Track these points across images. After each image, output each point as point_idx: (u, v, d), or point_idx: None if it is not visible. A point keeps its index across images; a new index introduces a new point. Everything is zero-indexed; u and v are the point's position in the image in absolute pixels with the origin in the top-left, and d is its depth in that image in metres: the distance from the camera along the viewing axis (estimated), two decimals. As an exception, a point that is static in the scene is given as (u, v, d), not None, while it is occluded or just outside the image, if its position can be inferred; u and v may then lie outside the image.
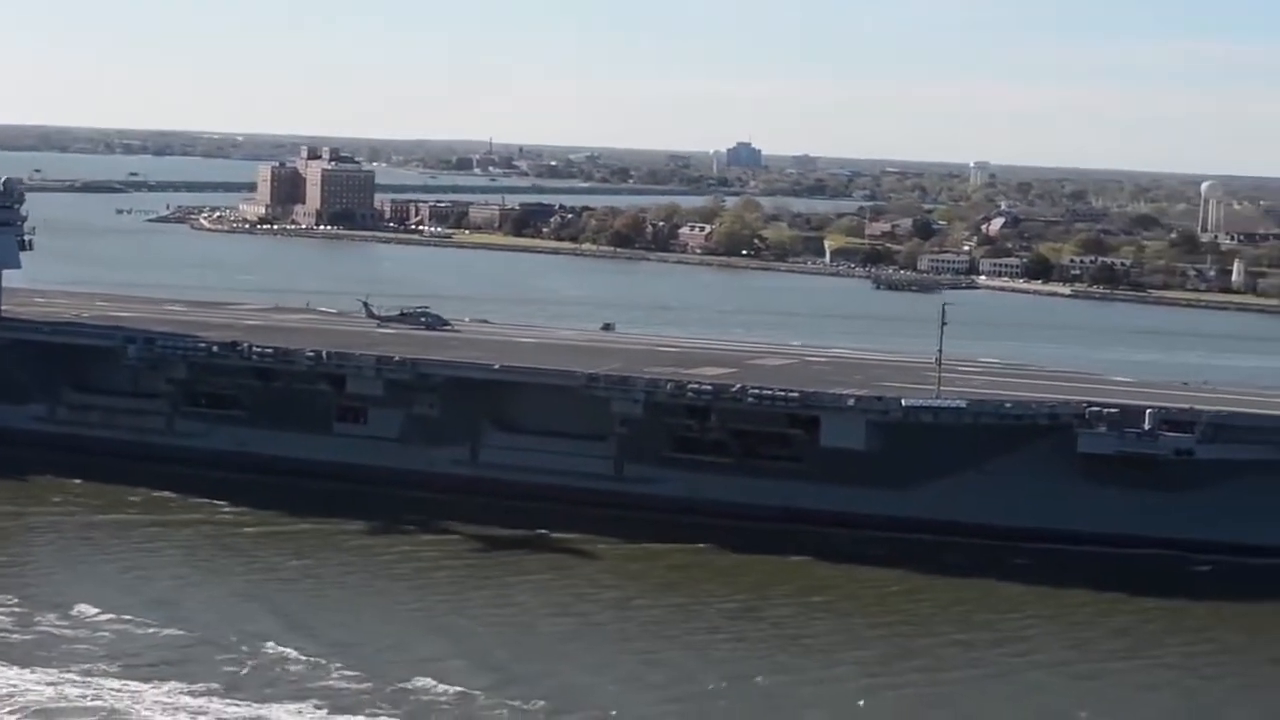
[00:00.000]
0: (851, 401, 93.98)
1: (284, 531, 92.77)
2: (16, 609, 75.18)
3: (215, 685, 66.45)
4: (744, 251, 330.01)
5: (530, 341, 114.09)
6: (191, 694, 65.46)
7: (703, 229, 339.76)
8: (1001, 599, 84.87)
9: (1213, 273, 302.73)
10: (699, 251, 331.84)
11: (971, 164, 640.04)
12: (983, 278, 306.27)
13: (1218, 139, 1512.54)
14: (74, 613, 74.78)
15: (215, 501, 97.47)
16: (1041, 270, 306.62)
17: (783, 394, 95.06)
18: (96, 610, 75.11)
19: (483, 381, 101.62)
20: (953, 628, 79.78)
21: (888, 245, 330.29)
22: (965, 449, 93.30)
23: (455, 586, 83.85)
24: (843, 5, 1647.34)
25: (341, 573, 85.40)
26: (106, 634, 72.67)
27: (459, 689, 66.93)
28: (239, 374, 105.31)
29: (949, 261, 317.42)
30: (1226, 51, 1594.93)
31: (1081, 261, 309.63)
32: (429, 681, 67.43)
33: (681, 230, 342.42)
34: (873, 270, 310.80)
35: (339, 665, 69.27)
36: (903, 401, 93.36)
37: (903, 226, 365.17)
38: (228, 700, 64.93)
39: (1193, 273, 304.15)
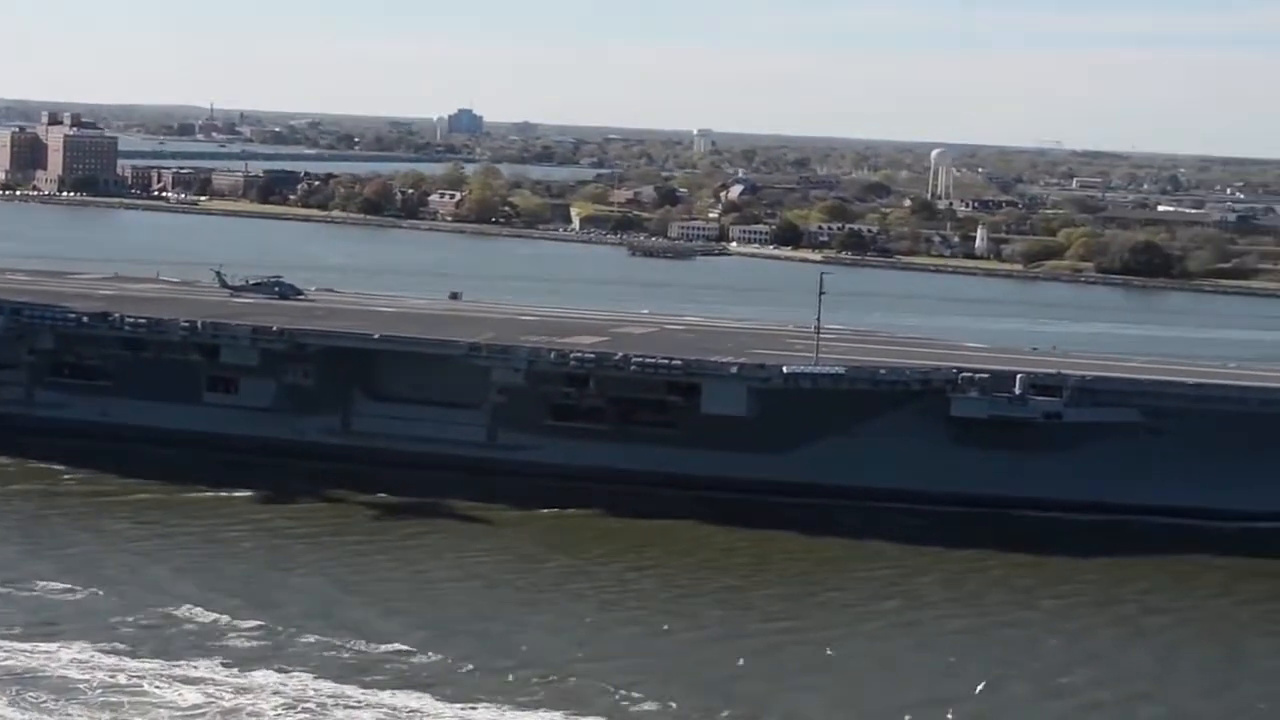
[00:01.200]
0: (734, 369, 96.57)
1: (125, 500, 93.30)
2: None
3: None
4: (494, 219, 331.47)
5: (390, 311, 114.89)
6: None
7: (452, 196, 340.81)
8: (886, 556, 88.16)
9: (956, 239, 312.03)
10: (449, 219, 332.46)
11: (695, 131, 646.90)
12: (734, 244, 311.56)
13: (930, 107, 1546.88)
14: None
15: (55, 467, 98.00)
16: (791, 237, 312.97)
17: (665, 362, 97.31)
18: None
19: (356, 350, 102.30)
20: (841, 579, 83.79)
21: (638, 213, 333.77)
22: (839, 414, 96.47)
23: (347, 551, 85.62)
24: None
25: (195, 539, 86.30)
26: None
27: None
28: (107, 344, 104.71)
29: (699, 229, 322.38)
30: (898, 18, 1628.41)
31: (829, 228, 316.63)
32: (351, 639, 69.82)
33: (431, 198, 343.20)
34: (625, 237, 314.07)
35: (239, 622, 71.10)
36: (784, 369, 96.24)
37: (646, 194, 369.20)
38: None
39: (937, 239, 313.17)
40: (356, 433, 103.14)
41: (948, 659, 71.38)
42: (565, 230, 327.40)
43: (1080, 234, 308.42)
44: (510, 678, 66.13)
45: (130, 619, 71.10)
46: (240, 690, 63.54)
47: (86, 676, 64.11)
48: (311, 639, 69.49)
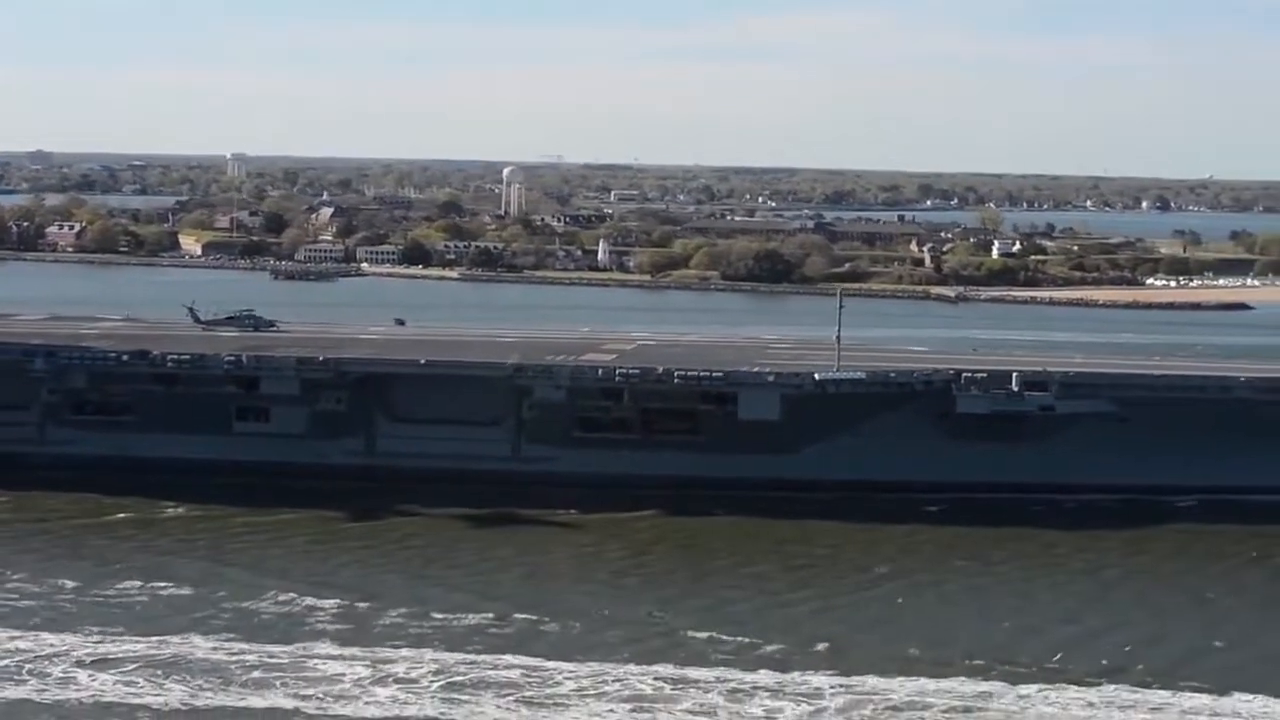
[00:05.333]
0: (771, 378, 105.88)
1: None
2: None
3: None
4: (116, 249, 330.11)
5: (404, 339, 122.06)
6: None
7: (71, 227, 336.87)
8: (915, 539, 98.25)
9: (579, 252, 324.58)
10: (70, 249, 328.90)
11: (229, 155, 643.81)
12: (365, 265, 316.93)
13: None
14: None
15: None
16: (420, 256, 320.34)
17: (706, 374, 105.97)
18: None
19: (385, 375, 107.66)
20: (870, 560, 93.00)
21: (266, 239, 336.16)
22: (847, 414, 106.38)
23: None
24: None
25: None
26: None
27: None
28: (139, 380, 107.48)
29: (327, 251, 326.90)
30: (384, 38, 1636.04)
31: (454, 246, 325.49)
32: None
33: (49, 229, 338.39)
34: (257, 262, 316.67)
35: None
36: (815, 375, 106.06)
37: (243, 219, 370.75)
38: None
39: (561, 254, 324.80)
40: (381, 453, 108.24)
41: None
42: (190, 257, 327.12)
43: (696, 245, 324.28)
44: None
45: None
46: (382, 661, 71.37)
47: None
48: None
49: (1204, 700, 68.26)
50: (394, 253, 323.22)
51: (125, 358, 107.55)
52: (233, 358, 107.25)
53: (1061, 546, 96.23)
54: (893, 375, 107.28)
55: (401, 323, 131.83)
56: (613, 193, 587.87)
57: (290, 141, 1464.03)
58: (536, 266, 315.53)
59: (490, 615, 78.49)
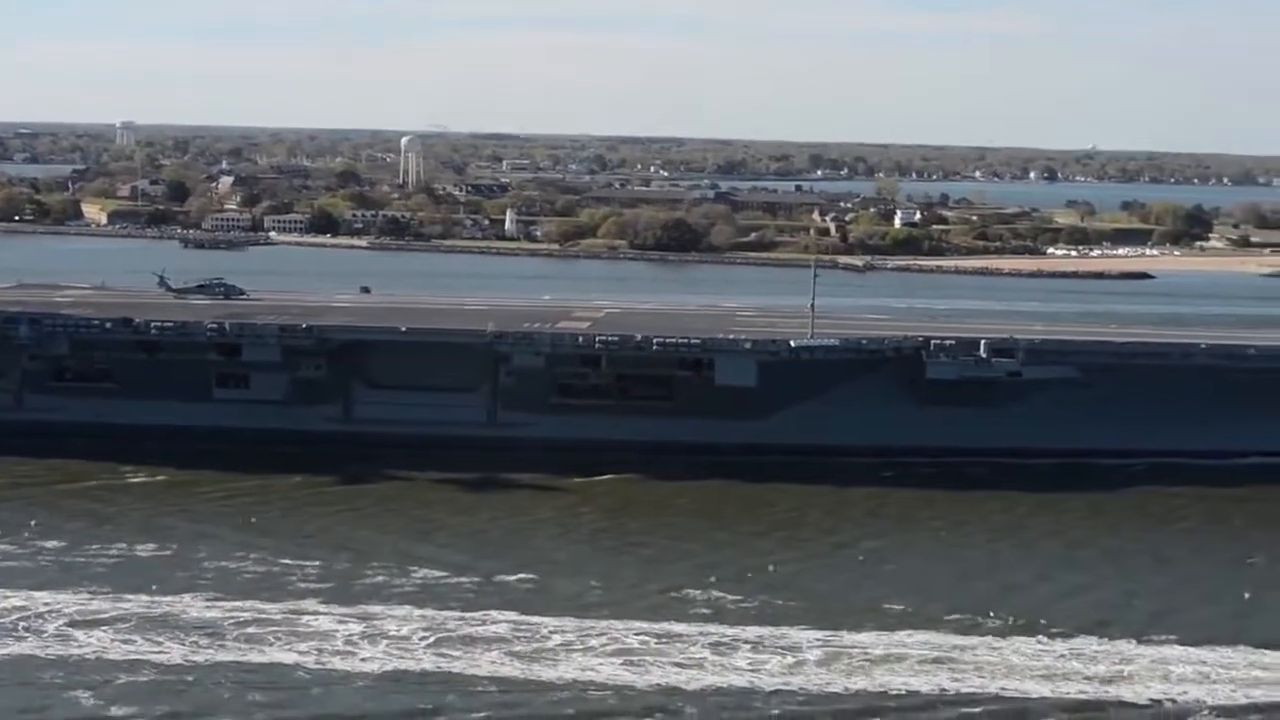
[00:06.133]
0: (748, 345, 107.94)
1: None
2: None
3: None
4: (18, 218, 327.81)
5: (378, 306, 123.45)
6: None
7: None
8: (885, 502, 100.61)
9: (487, 222, 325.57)
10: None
11: (118, 124, 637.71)
12: (273, 234, 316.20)
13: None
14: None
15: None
16: (327, 225, 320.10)
17: (685, 341, 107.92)
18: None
19: (362, 343, 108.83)
20: (842, 522, 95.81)
21: (171, 208, 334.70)
22: (817, 381, 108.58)
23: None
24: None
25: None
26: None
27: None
28: (122, 348, 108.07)
29: (234, 220, 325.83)
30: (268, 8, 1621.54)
31: (362, 215, 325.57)
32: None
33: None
34: (164, 230, 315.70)
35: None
36: (791, 343, 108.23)
37: (143, 188, 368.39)
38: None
39: (469, 223, 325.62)
40: (358, 419, 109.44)
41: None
42: (96, 226, 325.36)
43: (603, 214, 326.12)
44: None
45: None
46: (371, 618, 73.57)
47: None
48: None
49: (1175, 651, 71.24)
50: (301, 222, 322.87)
51: (109, 325, 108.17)
52: (216, 325, 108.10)
53: (1026, 507, 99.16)
54: (864, 342, 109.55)
55: (367, 290, 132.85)
56: (505, 162, 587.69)
57: (176, 110, 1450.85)
58: (444, 236, 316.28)
59: (472, 574, 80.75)
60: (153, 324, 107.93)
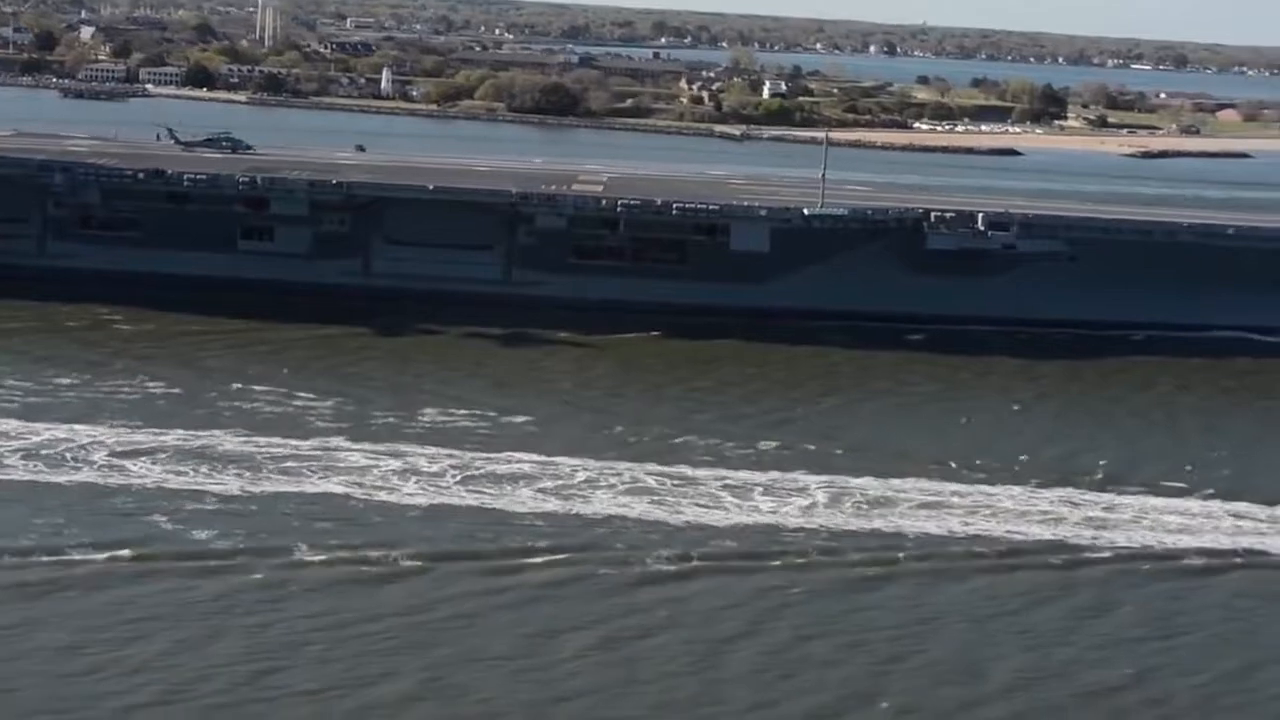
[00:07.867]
0: (763, 212, 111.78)
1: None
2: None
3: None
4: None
5: (397, 165, 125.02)
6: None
7: None
8: (882, 363, 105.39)
9: (364, 80, 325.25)
10: None
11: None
12: (150, 86, 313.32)
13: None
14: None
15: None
16: (203, 79, 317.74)
17: (703, 206, 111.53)
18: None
19: (384, 199, 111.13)
20: (843, 382, 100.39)
21: (44, 56, 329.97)
22: (823, 249, 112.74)
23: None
24: None
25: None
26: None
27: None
28: (151, 198, 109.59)
29: (109, 71, 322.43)
30: None
31: (238, 70, 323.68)
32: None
33: None
34: (40, 78, 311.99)
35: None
36: (804, 210, 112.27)
37: (12, 36, 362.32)
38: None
39: (345, 81, 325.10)
40: (376, 274, 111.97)
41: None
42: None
43: (480, 76, 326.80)
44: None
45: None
46: (401, 455, 76.95)
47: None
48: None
49: (1149, 501, 77.41)
50: (177, 75, 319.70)
51: (140, 175, 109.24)
52: (247, 178, 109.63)
53: (1018, 372, 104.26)
54: (870, 212, 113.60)
55: (362, 149, 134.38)
56: (349, 20, 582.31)
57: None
58: (320, 93, 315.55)
59: (492, 417, 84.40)
60: (185, 175, 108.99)
